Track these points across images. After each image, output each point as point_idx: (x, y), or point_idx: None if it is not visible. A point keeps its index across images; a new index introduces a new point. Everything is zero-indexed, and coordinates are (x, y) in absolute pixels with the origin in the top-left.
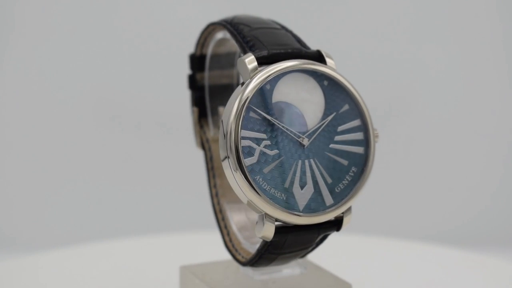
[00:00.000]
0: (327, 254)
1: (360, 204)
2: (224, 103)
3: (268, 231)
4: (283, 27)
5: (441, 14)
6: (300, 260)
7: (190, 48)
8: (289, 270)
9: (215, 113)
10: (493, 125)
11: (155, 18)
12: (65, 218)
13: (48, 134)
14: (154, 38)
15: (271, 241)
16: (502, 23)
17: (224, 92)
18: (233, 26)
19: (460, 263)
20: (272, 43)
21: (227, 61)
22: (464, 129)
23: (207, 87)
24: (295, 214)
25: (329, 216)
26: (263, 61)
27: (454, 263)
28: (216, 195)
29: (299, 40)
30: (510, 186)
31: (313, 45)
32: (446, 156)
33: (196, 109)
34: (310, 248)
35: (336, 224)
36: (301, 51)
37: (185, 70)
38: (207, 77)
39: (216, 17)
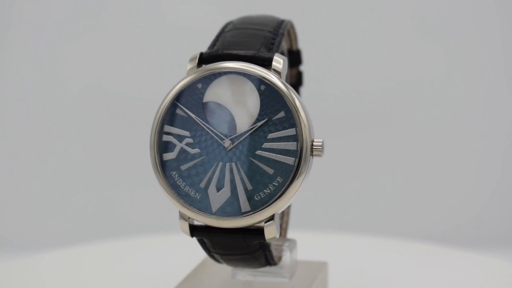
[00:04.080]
0: (327, 253)
1: (360, 204)
2: None
3: (182, 227)
4: (275, 31)
5: (439, 14)
6: (288, 267)
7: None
8: (272, 276)
9: None
10: (493, 125)
11: (158, 16)
12: (65, 218)
13: (47, 134)
14: (155, 35)
15: (200, 240)
16: (500, 24)
17: None
18: (227, 24)
19: (460, 263)
20: (231, 44)
21: None
22: (464, 128)
23: None
24: (206, 215)
25: (243, 222)
26: (211, 60)
27: (454, 263)
28: None
29: (272, 43)
30: (510, 186)
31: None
32: (446, 155)
33: None
34: (259, 254)
35: (263, 233)
36: (254, 54)
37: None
38: None
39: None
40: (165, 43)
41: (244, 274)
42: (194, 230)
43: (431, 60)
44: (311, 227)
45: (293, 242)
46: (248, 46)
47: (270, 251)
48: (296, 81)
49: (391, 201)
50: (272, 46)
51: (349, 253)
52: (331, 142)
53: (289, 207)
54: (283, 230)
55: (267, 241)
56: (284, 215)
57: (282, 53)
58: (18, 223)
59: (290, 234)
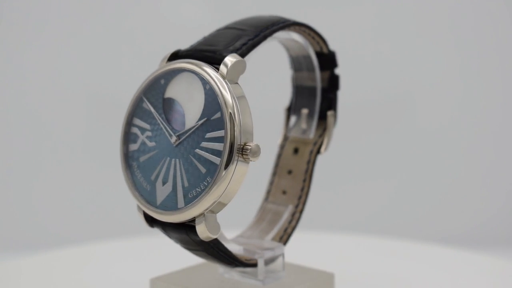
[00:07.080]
0: (328, 253)
1: (361, 204)
2: (308, 105)
3: (140, 215)
4: (258, 32)
5: (441, 14)
6: (261, 271)
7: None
8: (250, 278)
9: (298, 114)
10: (493, 126)
11: (159, 16)
12: (65, 218)
13: (47, 134)
14: (155, 35)
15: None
16: (501, 24)
17: (308, 94)
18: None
19: (460, 263)
20: (206, 43)
21: (306, 63)
22: (464, 129)
23: (294, 87)
24: (151, 208)
25: (177, 218)
26: (184, 58)
27: (455, 263)
28: (268, 191)
29: (244, 44)
30: (510, 186)
31: None
32: (447, 156)
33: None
34: (213, 252)
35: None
36: (211, 54)
37: None
38: (294, 78)
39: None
40: (166, 43)
41: (233, 273)
42: (154, 222)
43: (436, 61)
44: (315, 227)
45: (278, 248)
46: (216, 45)
47: (223, 250)
48: (328, 84)
49: (392, 202)
50: (242, 46)
51: (348, 253)
52: (335, 143)
53: (300, 212)
54: (286, 234)
55: (202, 239)
56: (293, 220)
57: (303, 59)
58: (18, 223)
59: (296, 234)
